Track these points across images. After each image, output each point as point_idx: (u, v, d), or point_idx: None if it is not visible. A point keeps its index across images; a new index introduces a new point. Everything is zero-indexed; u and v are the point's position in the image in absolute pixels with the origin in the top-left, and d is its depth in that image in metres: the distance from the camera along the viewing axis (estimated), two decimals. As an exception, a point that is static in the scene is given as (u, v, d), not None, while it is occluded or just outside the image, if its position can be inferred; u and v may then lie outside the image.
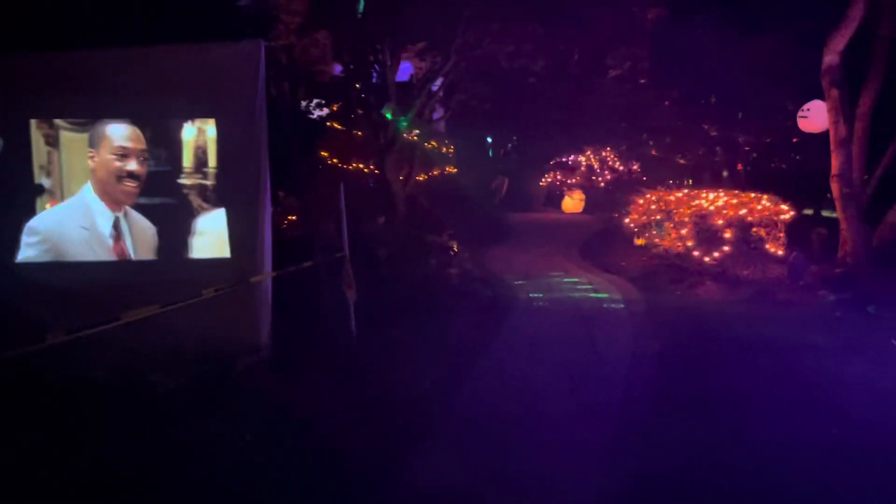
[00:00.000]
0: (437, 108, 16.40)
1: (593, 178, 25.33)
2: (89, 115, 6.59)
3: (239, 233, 6.50)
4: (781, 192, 13.69)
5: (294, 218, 10.82)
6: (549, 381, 6.63)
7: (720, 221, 10.85)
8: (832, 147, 12.54)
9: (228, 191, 6.58)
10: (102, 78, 6.55)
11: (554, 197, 25.98)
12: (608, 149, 25.00)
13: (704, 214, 11.08)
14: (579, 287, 11.28)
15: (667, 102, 16.53)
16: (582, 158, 25.52)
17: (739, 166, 18.57)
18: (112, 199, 6.63)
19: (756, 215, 10.97)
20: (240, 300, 6.18)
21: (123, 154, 6.55)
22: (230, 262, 6.46)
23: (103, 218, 6.63)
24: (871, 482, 4.46)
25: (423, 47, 12.95)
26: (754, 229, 10.74)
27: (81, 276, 6.49)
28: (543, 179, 25.57)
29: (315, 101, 12.66)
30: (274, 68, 11.85)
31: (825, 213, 16.26)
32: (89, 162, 6.59)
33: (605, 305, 9.95)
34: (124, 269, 6.69)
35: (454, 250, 12.94)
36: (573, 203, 25.74)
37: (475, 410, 5.82)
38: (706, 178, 20.86)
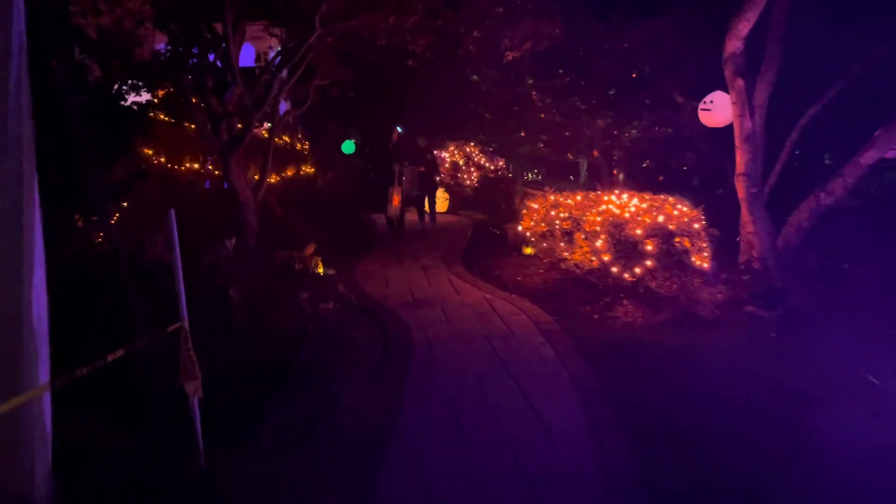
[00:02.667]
0: (289, 97, 13.79)
1: (459, 174, 23.62)
2: None
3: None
4: (664, 190, 12.66)
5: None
6: (499, 486, 4.58)
7: (639, 231, 9.29)
8: (737, 143, 11.50)
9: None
10: None
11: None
12: (472, 144, 23.42)
13: (620, 223, 9.49)
14: (482, 313, 9.36)
15: (549, 99, 15.08)
16: (446, 154, 23.71)
17: (615, 166, 17.63)
18: None
19: (675, 222, 9.54)
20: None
21: None
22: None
23: None
24: None
25: (274, 19, 10.35)
26: (677, 239, 9.29)
27: None
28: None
29: (132, 84, 9.69)
30: (74, 40, 8.85)
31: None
32: None
33: (521, 340, 8.09)
34: None
35: (319, 270, 10.57)
36: (437, 203, 24.04)
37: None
38: (580, 174, 19.90)
